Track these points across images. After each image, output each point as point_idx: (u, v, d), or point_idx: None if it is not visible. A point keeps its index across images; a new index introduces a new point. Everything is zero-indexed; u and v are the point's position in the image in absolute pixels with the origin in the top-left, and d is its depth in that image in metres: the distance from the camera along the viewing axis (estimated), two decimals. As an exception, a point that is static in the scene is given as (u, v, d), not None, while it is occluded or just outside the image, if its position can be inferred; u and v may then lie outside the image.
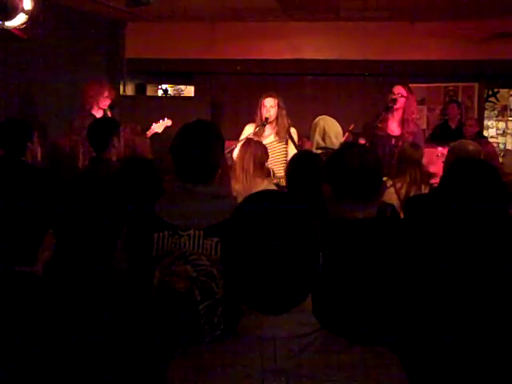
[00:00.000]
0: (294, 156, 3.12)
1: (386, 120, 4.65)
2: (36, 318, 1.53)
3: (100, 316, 1.84)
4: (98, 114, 5.12)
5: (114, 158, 3.38)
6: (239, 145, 4.49)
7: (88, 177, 3.25)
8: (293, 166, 2.83)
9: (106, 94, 5.09)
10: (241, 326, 1.14)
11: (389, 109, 4.62)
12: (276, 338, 1.09)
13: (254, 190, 3.38)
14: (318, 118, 4.10)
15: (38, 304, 1.55)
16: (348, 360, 1.09)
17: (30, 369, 1.48)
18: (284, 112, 4.70)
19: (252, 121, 4.75)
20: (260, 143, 4.11)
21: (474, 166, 2.14)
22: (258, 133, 4.63)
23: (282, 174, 4.53)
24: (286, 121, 4.71)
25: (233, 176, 3.74)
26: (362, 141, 4.61)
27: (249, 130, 4.72)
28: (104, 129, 3.46)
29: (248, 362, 1.09)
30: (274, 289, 1.08)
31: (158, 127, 5.52)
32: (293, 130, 4.73)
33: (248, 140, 4.09)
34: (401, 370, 1.13)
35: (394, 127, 4.70)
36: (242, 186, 3.59)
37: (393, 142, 4.63)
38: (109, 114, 5.25)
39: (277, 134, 4.67)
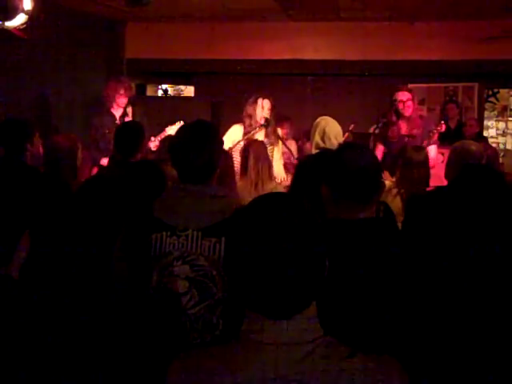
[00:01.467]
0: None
1: (398, 127, 4.71)
2: (10, 319, 1.51)
3: (94, 316, 1.83)
4: (118, 112, 5.16)
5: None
6: (236, 145, 4.49)
7: (109, 179, 3.24)
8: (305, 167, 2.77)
9: (121, 91, 5.11)
10: (243, 330, 1.13)
11: (401, 116, 4.68)
12: (278, 343, 1.08)
13: (265, 191, 3.36)
14: (319, 119, 4.10)
15: (11, 306, 1.53)
16: (350, 368, 1.08)
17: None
18: (274, 115, 4.67)
19: (240, 121, 4.68)
20: (264, 144, 4.11)
21: (482, 172, 2.14)
22: (249, 135, 4.55)
23: None
24: (275, 123, 4.70)
25: (245, 179, 3.75)
26: (380, 146, 4.68)
27: (236, 130, 4.66)
28: (134, 135, 3.46)
29: (249, 368, 1.08)
30: (279, 294, 1.07)
31: (171, 130, 5.51)
32: (278, 129, 4.75)
33: (257, 142, 4.07)
34: (404, 379, 1.12)
35: (404, 127, 4.74)
36: (256, 189, 3.60)
37: (406, 140, 4.67)
38: (129, 111, 5.27)
39: (267, 136, 4.64)
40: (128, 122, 4.83)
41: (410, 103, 4.69)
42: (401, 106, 4.69)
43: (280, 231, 1.07)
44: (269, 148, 4.63)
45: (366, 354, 1.12)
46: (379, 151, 4.80)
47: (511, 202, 2.04)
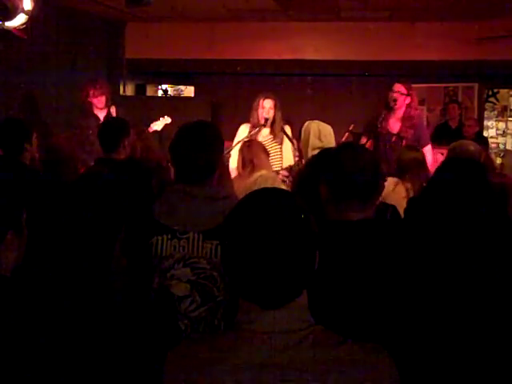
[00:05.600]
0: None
1: (386, 119, 4.66)
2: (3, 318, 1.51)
3: (92, 316, 1.84)
4: (101, 113, 5.14)
5: (122, 159, 3.36)
6: (236, 147, 4.53)
7: (93, 177, 3.24)
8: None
9: (91, 91, 5.08)
10: (237, 320, 1.17)
11: (390, 108, 4.63)
12: (271, 332, 1.12)
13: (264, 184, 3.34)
14: (307, 123, 4.09)
15: (6, 304, 1.53)
16: (339, 355, 1.12)
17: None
18: (280, 113, 4.71)
19: (248, 121, 4.74)
20: (259, 143, 4.14)
21: (457, 165, 2.15)
22: (255, 134, 4.63)
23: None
24: (281, 122, 4.73)
25: (239, 174, 3.81)
26: (363, 139, 4.62)
27: (244, 131, 4.72)
28: (116, 129, 3.45)
29: (244, 356, 1.11)
30: (270, 283, 1.11)
31: (157, 125, 5.52)
32: (287, 127, 4.75)
33: (248, 142, 4.12)
34: (391, 365, 1.16)
35: (394, 124, 4.71)
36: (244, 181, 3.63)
37: (393, 139, 4.65)
38: (112, 111, 5.26)
39: (273, 134, 4.68)
40: (110, 118, 4.81)
41: (400, 96, 4.64)
42: (389, 96, 4.66)
43: (270, 223, 1.11)
44: (275, 145, 4.66)
45: (355, 342, 1.16)
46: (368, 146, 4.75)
47: (491, 195, 2.06)
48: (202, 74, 8.09)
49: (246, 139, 4.38)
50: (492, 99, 9.24)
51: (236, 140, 4.61)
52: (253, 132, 4.62)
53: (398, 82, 4.73)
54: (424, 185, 3.57)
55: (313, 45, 7.30)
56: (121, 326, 1.93)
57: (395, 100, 4.61)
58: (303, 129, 4.06)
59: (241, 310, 1.17)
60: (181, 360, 1.15)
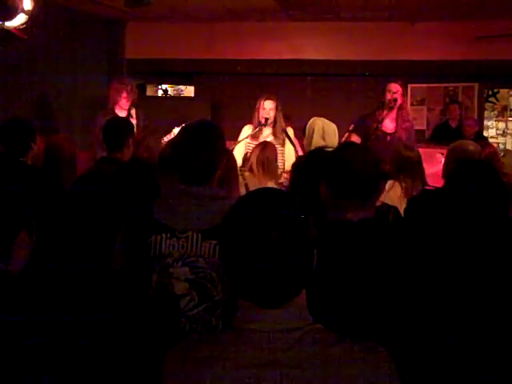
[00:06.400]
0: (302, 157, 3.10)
1: (382, 119, 4.68)
2: (11, 316, 1.52)
3: (92, 315, 1.84)
4: (122, 113, 5.15)
5: (126, 159, 3.36)
6: (238, 146, 4.56)
7: (95, 176, 3.23)
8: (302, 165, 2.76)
9: (123, 94, 5.11)
10: (236, 319, 1.17)
11: (391, 109, 4.65)
12: (271, 331, 1.13)
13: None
14: (312, 120, 4.08)
15: (12, 302, 1.54)
16: (338, 353, 1.13)
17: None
18: (281, 114, 4.73)
19: (251, 122, 4.77)
20: (271, 145, 4.15)
21: (476, 167, 2.15)
22: (256, 134, 4.65)
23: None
24: (282, 123, 4.74)
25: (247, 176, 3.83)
26: (354, 138, 4.63)
27: (247, 131, 4.75)
28: (121, 128, 3.44)
29: (243, 355, 1.12)
30: (268, 282, 1.11)
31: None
32: (289, 129, 4.78)
33: (262, 143, 4.13)
34: (390, 364, 1.16)
35: (388, 124, 4.73)
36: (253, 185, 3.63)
37: (388, 139, 4.66)
38: (132, 113, 5.27)
39: (274, 135, 4.69)
40: (113, 117, 4.83)
41: (400, 97, 4.68)
42: (389, 96, 4.68)
43: (268, 222, 1.12)
44: (278, 148, 4.67)
45: (354, 340, 1.16)
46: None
47: (506, 197, 2.06)
48: (202, 74, 8.09)
49: (260, 141, 4.40)
50: (492, 99, 9.25)
51: (239, 139, 4.65)
52: (253, 132, 4.63)
53: (393, 81, 4.75)
54: (424, 184, 3.58)
55: (313, 45, 7.30)
56: (120, 325, 1.93)
57: (396, 100, 4.64)
58: (308, 126, 4.06)
59: (240, 309, 1.18)
60: (180, 359, 1.16)
